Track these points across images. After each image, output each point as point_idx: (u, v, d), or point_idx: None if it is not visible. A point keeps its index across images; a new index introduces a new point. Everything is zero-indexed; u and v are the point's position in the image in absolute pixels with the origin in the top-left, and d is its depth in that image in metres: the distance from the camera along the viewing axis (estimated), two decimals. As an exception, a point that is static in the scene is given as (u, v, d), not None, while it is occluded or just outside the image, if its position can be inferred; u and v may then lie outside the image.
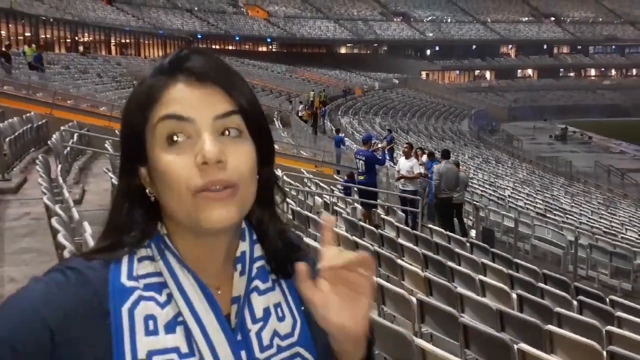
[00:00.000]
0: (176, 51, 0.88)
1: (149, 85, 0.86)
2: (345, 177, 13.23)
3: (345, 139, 23.47)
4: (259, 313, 0.89)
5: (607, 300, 6.74)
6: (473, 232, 11.66)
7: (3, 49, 24.71)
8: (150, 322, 0.82)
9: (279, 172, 11.40)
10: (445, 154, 12.11)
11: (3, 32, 33.68)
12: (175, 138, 0.82)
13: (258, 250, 0.94)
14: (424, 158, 12.88)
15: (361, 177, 11.29)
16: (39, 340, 0.78)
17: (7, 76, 20.34)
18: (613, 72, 77.66)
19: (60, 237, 4.33)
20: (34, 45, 25.68)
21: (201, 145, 0.81)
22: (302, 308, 0.94)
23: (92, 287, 0.82)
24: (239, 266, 0.91)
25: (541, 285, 6.70)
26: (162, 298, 0.84)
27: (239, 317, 0.88)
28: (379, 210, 11.59)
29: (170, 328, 0.83)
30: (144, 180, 0.87)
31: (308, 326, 0.93)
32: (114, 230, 0.88)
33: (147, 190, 0.87)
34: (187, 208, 0.82)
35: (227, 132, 0.84)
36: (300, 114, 31.04)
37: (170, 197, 0.83)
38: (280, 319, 0.91)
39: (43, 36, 37.85)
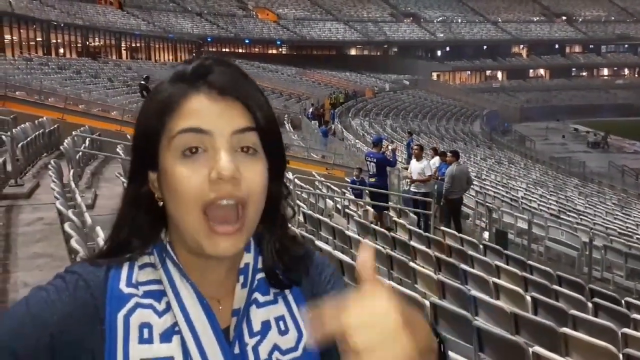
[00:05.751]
0: (199, 59, 0.88)
1: (169, 93, 0.85)
2: (354, 177, 13.05)
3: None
4: (256, 326, 0.88)
5: (623, 302, 6.69)
6: (486, 234, 11.59)
7: (142, 81, 24.18)
8: (145, 330, 0.82)
9: (290, 175, 11.44)
10: (456, 155, 12.06)
11: (15, 38, 34.00)
12: (191, 150, 0.82)
13: (262, 262, 0.93)
14: (436, 160, 12.78)
15: (372, 179, 11.31)
16: (39, 345, 0.78)
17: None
18: (626, 71, 76.88)
19: (73, 242, 4.36)
20: None
21: (217, 161, 0.81)
22: None
23: (90, 292, 0.83)
24: (241, 278, 0.90)
25: (555, 287, 6.65)
26: (161, 306, 0.84)
27: (237, 330, 0.87)
28: (391, 213, 11.56)
29: (166, 337, 0.83)
30: (152, 185, 0.87)
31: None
32: (119, 235, 0.88)
33: (155, 196, 0.87)
34: (194, 225, 0.82)
35: (243, 149, 0.83)
36: (310, 115, 31.28)
37: (178, 208, 0.83)
38: (283, 332, 0.89)
39: (54, 41, 38.19)
